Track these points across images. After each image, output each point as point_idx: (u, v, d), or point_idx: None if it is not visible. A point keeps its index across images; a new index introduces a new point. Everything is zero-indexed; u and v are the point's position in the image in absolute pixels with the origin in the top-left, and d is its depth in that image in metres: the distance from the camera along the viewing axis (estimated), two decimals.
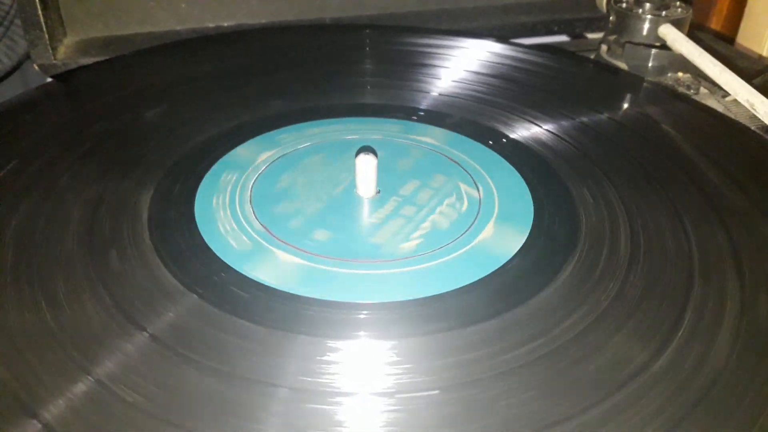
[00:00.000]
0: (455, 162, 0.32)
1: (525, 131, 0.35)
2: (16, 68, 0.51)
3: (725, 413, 0.20)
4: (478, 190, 0.30)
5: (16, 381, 0.20)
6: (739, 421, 0.19)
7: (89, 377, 0.20)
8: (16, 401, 0.19)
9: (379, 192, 0.30)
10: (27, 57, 0.51)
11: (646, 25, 0.44)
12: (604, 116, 0.36)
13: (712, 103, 0.40)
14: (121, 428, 0.19)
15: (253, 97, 0.38)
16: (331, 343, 0.22)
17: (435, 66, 0.41)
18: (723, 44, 0.49)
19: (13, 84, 0.52)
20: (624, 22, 0.45)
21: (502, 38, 0.45)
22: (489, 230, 0.28)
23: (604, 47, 0.46)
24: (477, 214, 0.29)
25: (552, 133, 0.35)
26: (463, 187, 0.31)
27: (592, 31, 0.56)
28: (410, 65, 0.41)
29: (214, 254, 0.26)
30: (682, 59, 0.42)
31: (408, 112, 0.37)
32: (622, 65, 0.44)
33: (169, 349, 0.21)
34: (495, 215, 0.29)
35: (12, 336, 0.22)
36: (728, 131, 0.35)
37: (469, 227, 0.28)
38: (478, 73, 0.40)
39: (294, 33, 0.47)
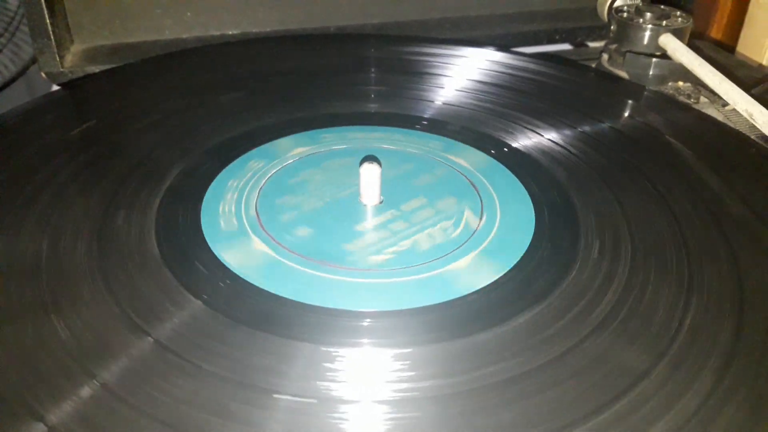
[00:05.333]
0: (474, 187, 0.32)
1: (527, 140, 0.35)
2: (20, 74, 0.52)
3: (725, 419, 0.20)
4: (480, 220, 0.29)
5: (23, 385, 0.20)
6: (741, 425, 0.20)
7: (95, 381, 0.20)
8: (23, 404, 0.20)
9: (381, 201, 0.30)
10: (32, 63, 0.52)
11: (647, 35, 0.44)
12: (606, 124, 0.37)
13: (712, 111, 0.40)
14: None
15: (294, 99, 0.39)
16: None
17: (437, 75, 0.42)
18: (723, 53, 0.50)
19: (18, 90, 0.52)
20: (625, 32, 0.45)
21: (504, 47, 0.45)
22: (465, 261, 0.27)
23: (605, 56, 0.47)
24: (462, 244, 0.28)
25: (553, 141, 0.35)
26: (467, 213, 0.30)
27: (594, 39, 0.56)
28: (413, 74, 0.42)
29: (201, 231, 0.27)
30: (683, 68, 0.42)
31: (412, 121, 0.37)
32: (623, 74, 0.45)
33: (173, 354, 0.22)
34: (480, 249, 0.28)
35: (20, 341, 0.22)
36: (728, 140, 0.35)
37: (447, 254, 0.27)
38: (479, 82, 0.41)
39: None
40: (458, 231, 0.29)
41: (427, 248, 0.28)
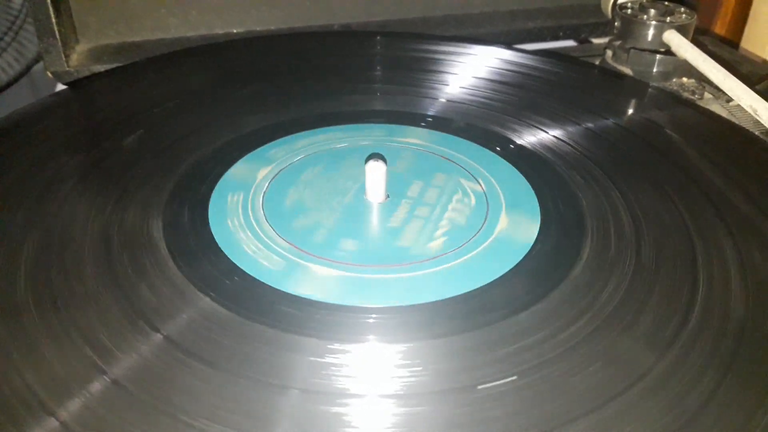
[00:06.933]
0: (449, 160, 0.33)
1: (531, 137, 0.35)
2: (24, 73, 0.52)
3: (730, 414, 0.20)
4: (480, 185, 0.31)
5: (35, 380, 0.20)
6: (743, 421, 0.20)
7: (105, 377, 0.21)
8: (36, 399, 0.20)
9: (388, 197, 0.31)
10: (36, 62, 0.52)
11: (651, 31, 0.44)
12: (610, 121, 0.37)
13: (716, 108, 0.40)
14: (135, 427, 0.19)
15: (248, 107, 0.38)
16: (380, 347, 0.23)
17: (442, 72, 0.42)
18: (727, 49, 0.50)
19: (21, 89, 0.52)
20: (629, 28, 0.45)
21: (508, 44, 0.45)
22: (504, 221, 0.29)
23: (609, 53, 0.47)
24: (487, 207, 0.30)
25: (558, 138, 0.35)
26: (464, 182, 0.31)
27: (598, 36, 0.56)
28: (417, 71, 0.42)
29: (249, 275, 0.26)
30: (687, 65, 0.42)
31: (417, 119, 0.37)
32: (627, 71, 0.45)
33: (183, 350, 0.22)
34: (504, 206, 0.30)
35: (31, 337, 0.22)
36: (732, 136, 0.35)
37: (485, 221, 0.29)
38: (484, 79, 0.41)
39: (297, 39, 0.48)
40: (473, 199, 0.30)
41: (464, 222, 0.29)
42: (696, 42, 0.43)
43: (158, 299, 0.24)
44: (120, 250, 0.26)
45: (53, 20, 0.44)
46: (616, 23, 0.46)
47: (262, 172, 0.32)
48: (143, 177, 0.31)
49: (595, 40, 0.56)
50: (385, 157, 0.33)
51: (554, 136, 0.35)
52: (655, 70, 0.44)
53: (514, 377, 0.21)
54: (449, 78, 0.41)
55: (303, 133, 0.36)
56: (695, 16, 0.45)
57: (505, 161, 0.33)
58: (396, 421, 0.20)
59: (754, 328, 0.23)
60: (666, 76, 0.44)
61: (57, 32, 0.45)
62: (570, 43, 0.56)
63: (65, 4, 0.46)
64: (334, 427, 0.20)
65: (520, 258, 0.27)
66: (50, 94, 0.38)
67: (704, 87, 0.42)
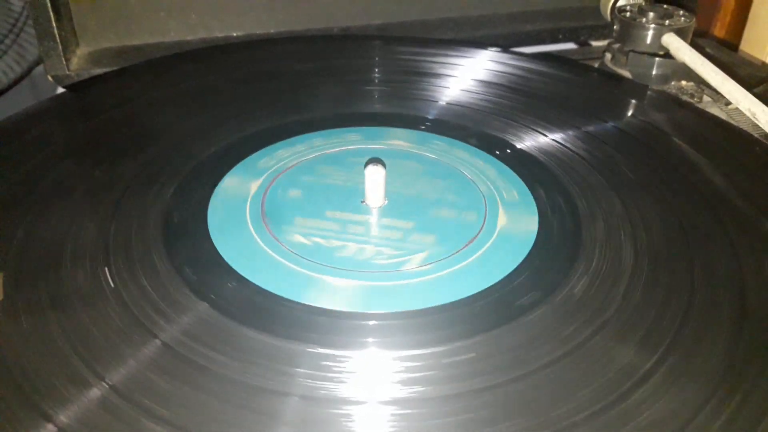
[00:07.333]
0: (475, 237, 0.28)
1: (531, 141, 0.35)
2: (25, 75, 0.52)
3: (727, 419, 0.20)
4: (423, 267, 0.27)
5: (32, 386, 0.21)
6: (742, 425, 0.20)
7: (104, 383, 0.21)
8: (33, 406, 0.20)
9: (380, 207, 0.30)
10: (36, 64, 0.52)
11: (650, 34, 0.44)
12: (609, 124, 0.37)
13: (715, 111, 0.40)
14: None
15: (261, 108, 0.39)
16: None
17: (441, 75, 0.42)
18: (726, 51, 0.50)
19: (22, 91, 0.52)
20: (628, 31, 0.45)
21: (506, 47, 0.45)
22: (341, 282, 0.26)
23: (608, 55, 0.47)
24: (373, 271, 0.26)
25: (557, 142, 0.35)
26: (421, 256, 0.27)
27: (597, 39, 0.56)
28: (416, 75, 0.42)
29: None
30: (686, 68, 0.42)
31: (417, 122, 0.37)
32: (626, 73, 0.45)
33: (180, 356, 0.22)
34: (372, 283, 0.26)
35: (28, 342, 0.22)
36: (732, 139, 0.35)
37: (345, 269, 0.26)
38: (482, 82, 0.41)
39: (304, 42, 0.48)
40: (387, 261, 0.27)
41: (341, 256, 0.27)
42: (695, 45, 0.43)
43: (157, 304, 0.24)
44: (119, 254, 0.26)
45: (53, 24, 0.44)
46: (615, 26, 0.46)
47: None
48: (143, 180, 0.31)
49: (594, 43, 0.56)
50: (459, 204, 0.31)
51: (553, 140, 0.35)
52: (654, 72, 0.44)
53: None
54: (450, 81, 0.41)
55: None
56: (694, 19, 0.45)
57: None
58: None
59: (754, 329, 0.23)
60: (665, 79, 0.44)
61: (57, 36, 0.45)
62: (569, 45, 0.56)
63: (65, 8, 0.46)
64: None
65: (304, 300, 0.25)
66: (50, 97, 0.38)
67: (703, 90, 0.42)
